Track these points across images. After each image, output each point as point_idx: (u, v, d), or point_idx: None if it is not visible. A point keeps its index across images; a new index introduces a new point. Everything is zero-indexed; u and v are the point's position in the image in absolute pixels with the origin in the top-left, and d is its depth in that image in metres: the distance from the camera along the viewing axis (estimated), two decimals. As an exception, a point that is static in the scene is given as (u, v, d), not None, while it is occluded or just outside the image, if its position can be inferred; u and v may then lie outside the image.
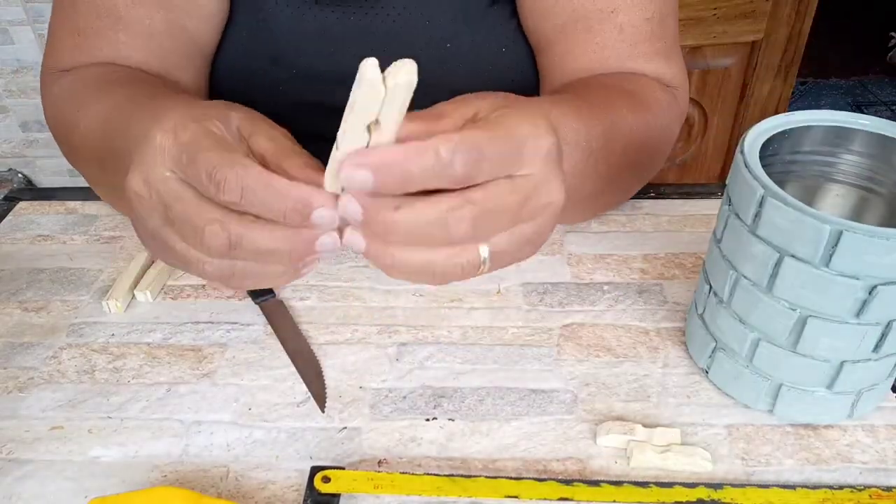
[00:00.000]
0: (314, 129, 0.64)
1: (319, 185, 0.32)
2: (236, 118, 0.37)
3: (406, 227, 0.32)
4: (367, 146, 0.30)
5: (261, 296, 0.52)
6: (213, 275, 0.36)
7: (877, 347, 0.39)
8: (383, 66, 0.29)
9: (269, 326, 0.51)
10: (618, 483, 0.40)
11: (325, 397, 0.46)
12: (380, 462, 0.42)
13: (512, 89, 0.57)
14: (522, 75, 0.63)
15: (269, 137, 0.36)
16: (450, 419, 0.44)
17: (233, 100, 0.48)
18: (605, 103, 0.52)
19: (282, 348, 0.49)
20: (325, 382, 0.46)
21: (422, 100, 0.65)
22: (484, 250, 0.34)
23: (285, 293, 0.53)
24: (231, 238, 0.34)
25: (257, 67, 0.63)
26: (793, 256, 0.38)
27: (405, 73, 0.28)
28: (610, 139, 0.50)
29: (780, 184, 0.39)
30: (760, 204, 0.38)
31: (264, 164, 0.35)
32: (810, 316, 0.39)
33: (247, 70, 0.63)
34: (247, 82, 0.64)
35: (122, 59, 0.58)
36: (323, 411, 0.45)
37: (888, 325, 0.38)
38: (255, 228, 0.33)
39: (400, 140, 0.31)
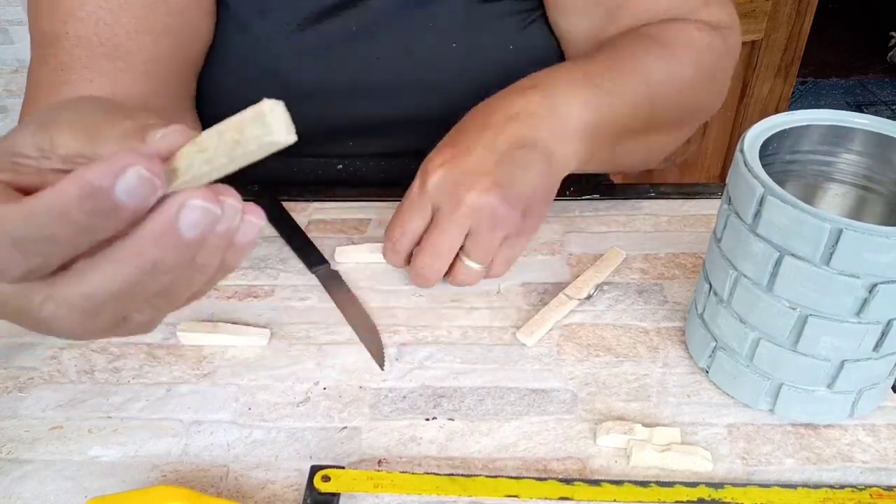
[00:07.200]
0: (312, 149, 0.63)
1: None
2: (30, 140, 0.30)
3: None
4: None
5: (317, 265, 0.55)
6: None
7: (877, 346, 0.39)
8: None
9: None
10: (618, 482, 0.40)
11: (384, 356, 0.48)
12: (380, 461, 0.42)
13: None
14: (535, 68, 0.62)
15: (66, 142, 0.29)
16: (450, 419, 0.44)
17: (224, 114, 0.47)
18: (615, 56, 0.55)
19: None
20: (380, 345, 0.49)
21: (438, 98, 0.69)
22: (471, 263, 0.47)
23: (285, 293, 0.53)
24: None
25: (247, 83, 0.61)
26: (793, 255, 0.38)
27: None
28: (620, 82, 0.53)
29: (780, 183, 0.39)
30: (760, 203, 0.38)
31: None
32: (810, 315, 0.39)
33: (236, 84, 0.62)
34: (237, 97, 0.62)
35: (122, 93, 0.52)
36: (382, 368, 0.47)
37: (889, 324, 0.38)
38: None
39: None
